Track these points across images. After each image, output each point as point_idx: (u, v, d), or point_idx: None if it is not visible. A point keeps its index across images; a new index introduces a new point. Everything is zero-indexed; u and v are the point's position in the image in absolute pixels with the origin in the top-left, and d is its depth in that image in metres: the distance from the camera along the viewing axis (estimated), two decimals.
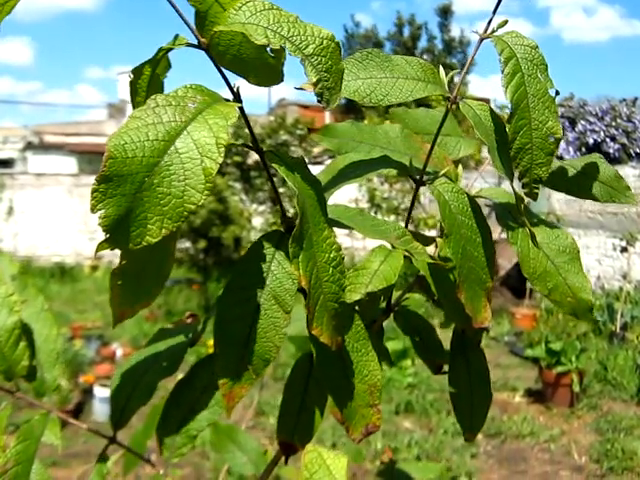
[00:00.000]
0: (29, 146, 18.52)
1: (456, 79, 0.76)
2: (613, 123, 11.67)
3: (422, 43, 25.18)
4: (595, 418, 5.91)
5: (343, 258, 0.61)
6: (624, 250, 8.61)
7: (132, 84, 0.61)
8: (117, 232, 0.49)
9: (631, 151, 11.78)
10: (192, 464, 4.62)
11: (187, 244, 10.69)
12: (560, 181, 0.82)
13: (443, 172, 0.76)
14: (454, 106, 0.75)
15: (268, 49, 0.56)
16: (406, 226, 0.77)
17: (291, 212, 0.68)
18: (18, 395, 0.91)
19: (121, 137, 0.49)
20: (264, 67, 0.57)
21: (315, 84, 0.55)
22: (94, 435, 0.96)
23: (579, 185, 0.82)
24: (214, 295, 9.64)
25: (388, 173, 0.78)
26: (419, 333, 0.92)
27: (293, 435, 0.79)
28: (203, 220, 9.72)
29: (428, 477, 1.69)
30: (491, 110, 0.74)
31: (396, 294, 0.90)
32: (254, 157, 10.27)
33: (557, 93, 0.70)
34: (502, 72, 0.69)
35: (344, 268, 0.61)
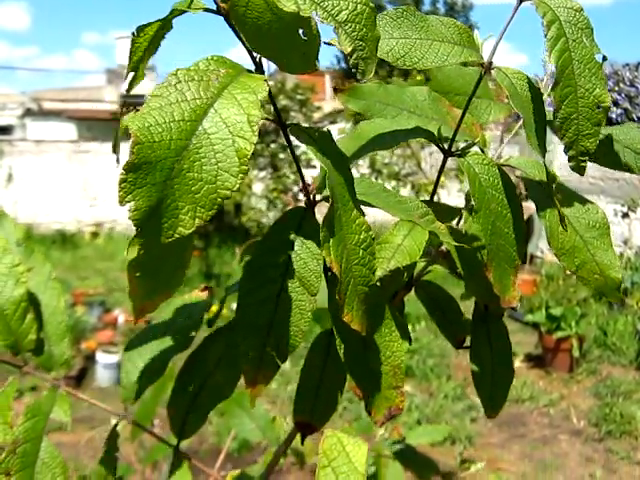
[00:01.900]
0: (28, 112, 18.32)
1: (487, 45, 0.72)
2: (616, 88, 11.55)
3: (425, 7, 24.85)
4: (594, 383, 5.95)
5: (374, 239, 0.58)
6: (625, 216, 8.59)
7: (133, 43, 0.56)
8: (148, 225, 0.45)
9: (634, 116, 11.67)
10: None
11: None
12: (600, 154, 0.77)
13: (475, 141, 0.73)
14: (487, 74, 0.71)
15: (300, 31, 0.52)
16: (431, 199, 0.74)
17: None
18: (25, 370, 0.88)
19: (145, 119, 0.44)
20: (295, 48, 0.53)
21: (350, 54, 0.52)
22: (99, 400, 0.94)
23: (614, 156, 0.79)
24: (215, 261, 9.63)
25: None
26: (440, 306, 0.89)
27: (311, 415, 0.77)
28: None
29: (436, 440, 1.68)
30: (529, 80, 0.70)
31: (418, 267, 0.87)
32: None
33: (604, 59, 0.66)
34: (545, 36, 0.64)
35: (374, 250, 0.58)
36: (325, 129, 0.59)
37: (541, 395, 5.66)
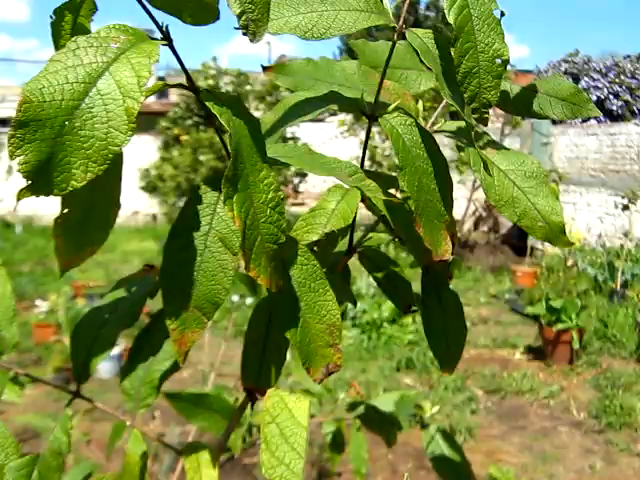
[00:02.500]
0: None
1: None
2: (617, 80, 11.52)
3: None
4: (594, 375, 5.96)
5: (282, 199, 0.60)
6: (626, 208, 8.58)
7: (54, 26, 0.59)
8: (39, 178, 0.48)
9: (634, 108, 11.65)
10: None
11: None
12: (521, 104, 0.80)
13: (394, 105, 0.74)
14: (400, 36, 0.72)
15: None
16: (362, 164, 0.76)
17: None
18: None
19: (38, 81, 0.48)
20: (197, 3, 0.55)
21: (239, 16, 0.54)
22: (97, 392, 0.96)
23: (540, 105, 0.80)
24: None
25: (338, 109, 0.76)
26: (383, 271, 0.91)
27: (257, 380, 0.79)
28: (203, 178, 9.70)
29: (398, 403, 1.68)
30: (437, 37, 0.72)
31: (358, 235, 0.89)
32: (255, 114, 10.19)
33: (502, 14, 0.68)
34: None
35: (283, 209, 0.60)
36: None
37: (541, 387, 5.67)
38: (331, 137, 11.98)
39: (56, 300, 6.43)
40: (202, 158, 10.57)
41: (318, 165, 0.69)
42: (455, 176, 8.74)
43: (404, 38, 0.72)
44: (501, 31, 0.68)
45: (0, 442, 0.83)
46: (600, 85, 11.67)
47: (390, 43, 0.75)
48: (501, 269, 9.70)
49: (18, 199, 0.50)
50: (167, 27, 0.55)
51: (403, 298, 0.91)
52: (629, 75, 11.58)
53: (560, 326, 6.19)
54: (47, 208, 13.62)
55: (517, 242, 10.48)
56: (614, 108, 11.46)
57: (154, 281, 0.89)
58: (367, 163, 9.48)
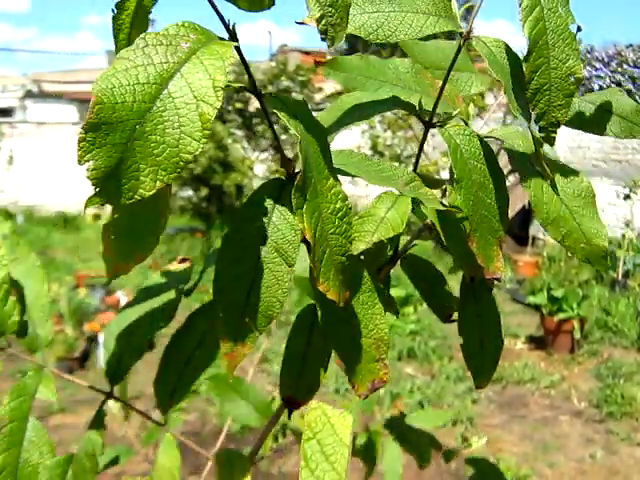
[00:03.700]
0: (29, 94, 18.29)
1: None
2: (619, 69, 11.48)
3: None
4: (595, 364, 5.97)
5: (350, 208, 0.57)
6: (627, 197, 8.57)
7: (115, 19, 0.56)
8: (107, 185, 0.45)
9: (637, 97, 11.62)
10: (198, 410, 4.68)
11: (189, 192, 10.66)
12: (576, 118, 0.78)
13: (456, 113, 0.72)
14: (466, 43, 0.69)
15: None
16: (414, 170, 0.74)
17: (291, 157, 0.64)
18: (10, 351, 0.89)
19: (109, 80, 0.44)
20: None
21: (318, 20, 0.51)
22: (99, 383, 0.95)
23: (596, 122, 0.78)
24: (217, 242, 9.67)
25: (397, 113, 0.74)
26: (427, 280, 0.88)
27: (296, 390, 0.77)
28: (204, 168, 9.67)
29: (436, 425, 1.68)
30: (507, 47, 0.69)
31: (403, 241, 0.86)
32: (256, 104, 10.21)
33: (579, 29, 0.65)
34: (519, 5, 0.63)
35: (351, 219, 0.58)
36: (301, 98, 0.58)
37: (542, 376, 5.69)
38: None
39: (58, 290, 6.41)
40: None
41: (374, 174, 0.66)
42: None
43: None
44: (576, 47, 0.65)
45: (35, 441, 0.83)
46: (602, 74, 11.63)
47: (442, 42, 0.73)
48: (502, 259, 9.70)
49: (86, 207, 0.47)
50: (234, 26, 0.52)
51: (445, 308, 0.88)
52: (631, 64, 11.54)
53: (561, 316, 6.20)
54: (47, 199, 13.60)
55: (519, 232, 10.46)
56: None
57: (188, 277, 0.87)
58: (369, 152, 9.49)
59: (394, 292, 6.70)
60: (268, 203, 0.60)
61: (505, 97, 0.68)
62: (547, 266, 7.99)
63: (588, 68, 12.12)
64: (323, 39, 0.52)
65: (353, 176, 0.65)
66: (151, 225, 0.60)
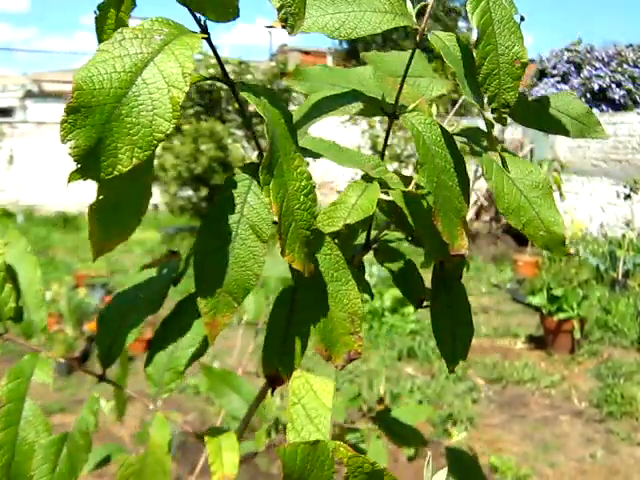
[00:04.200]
0: (28, 94, 18.37)
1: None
2: (619, 69, 11.51)
3: None
4: (595, 364, 5.98)
5: (314, 187, 0.62)
6: (627, 197, 8.60)
7: (98, 21, 0.62)
8: (88, 162, 0.50)
9: (636, 97, 11.64)
10: (197, 409, 4.72)
11: (189, 192, 10.71)
12: (531, 116, 0.84)
13: (414, 105, 0.77)
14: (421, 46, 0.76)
15: None
16: (382, 158, 0.79)
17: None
18: (7, 337, 0.91)
19: (88, 69, 0.50)
20: (219, 2, 0.58)
21: (278, 9, 0.56)
22: (100, 383, 0.98)
23: (550, 121, 0.84)
24: None
25: (358, 108, 0.79)
26: (398, 267, 0.94)
27: (279, 367, 0.81)
28: (204, 168, 9.70)
29: (419, 419, 1.72)
30: (458, 39, 0.75)
31: (374, 233, 0.91)
32: None
33: (522, 19, 0.71)
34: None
35: (315, 197, 0.63)
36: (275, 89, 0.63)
37: (542, 376, 5.70)
38: (333, 126, 12.02)
39: (58, 290, 6.44)
40: (203, 147, 10.59)
41: (344, 157, 0.71)
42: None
43: (420, 42, 0.74)
44: (520, 35, 0.71)
45: (31, 420, 0.86)
46: (602, 74, 11.66)
47: (402, 53, 0.79)
48: (502, 258, 9.72)
49: (68, 182, 0.52)
50: (205, 22, 0.57)
51: (416, 292, 0.94)
52: (631, 64, 11.57)
53: (561, 315, 6.21)
54: (47, 199, 13.65)
55: (518, 232, 10.48)
56: (616, 97, 11.45)
57: (177, 268, 0.91)
58: (369, 152, 9.52)
59: (393, 292, 6.74)
60: (244, 184, 0.66)
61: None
62: (547, 266, 8.01)
63: (588, 68, 12.15)
64: (283, 27, 0.57)
65: (321, 156, 0.70)
66: (133, 206, 0.66)
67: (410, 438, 1.61)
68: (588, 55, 12.13)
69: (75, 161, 0.50)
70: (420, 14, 0.75)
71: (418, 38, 0.75)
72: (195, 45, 0.53)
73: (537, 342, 6.48)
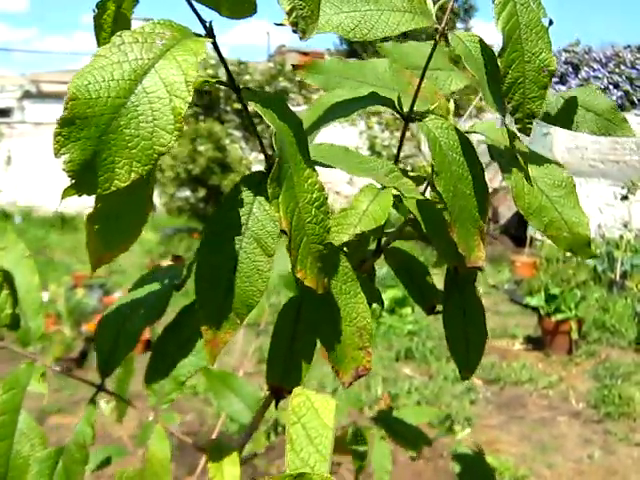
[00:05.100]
0: (27, 95, 18.31)
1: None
2: (617, 70, 11.51)
3: None
4: (593, 365, 5.97)
5: (326, 198, 0.59)
6: (625, 198, 8.59)
7: (96, 19, 0.57)
8: (83, 177, 0.47)
9: (634, 98, 11.65)
10: (195, 410, 4.69)
11: (187, 193, 10.68)
12: (564, 117, 0.79)
13: (433, 107, 0.73)
14: (443, 40, 0.71)
15: None
16: (395, 163, 0.75)
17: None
18: (2, 344, 0.89)
19: (84, 77, 0.46)
20: None
21: (289, 13, 0.52)
22: (98, 382, 0.96)
23: (580, 120, 0.79)
24: None
25: (376, 110, 0.75)
26: (409, 272, 0.90)
27: (282, 379, 0.78)
28: (202, 168, 9.68)
29: (422, 421, 1.70)
30: (481, 42, 0.70)
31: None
32: None
33: (551, 23, 0.67)
34: (492, 1, 0.65)
35: (328, 209, 0.59)
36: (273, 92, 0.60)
37: (540, 377, 5.69)
38: (330, 126, 11.96)
39: (56, 290, 6.42)
40: (201, 148, 10.54)
41: (355, 165, 0.67)
42: None
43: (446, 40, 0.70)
44: (548, 40, 0.66)
45: (26, 433, 0.84)
46: (600, 75, 11.66)
47: (421, 44, 0.74)
48: (500, 259, 9.70)
49: (62, 198, 0.49)
50: (211, 23, 0.54)
51: (428, 300, 0.90)
52: (629, 65, 11.57)
53: (559, 316, 6.20)
54: (45, 199, 13.60)
55: (516, 232, 10.47)
56: (614, 98, 11.45)
57: (180, 274, 0.88)
58: (367, 153, 9.51)
59: (392, 293, 6.71)
60: (248, 195, 0.62)
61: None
62: (545, 267, 8.00)
63: (586, 69, 12.15)
64: (294, 31, 0.53)
65: (332, 167, 0.66)
66: (134, 216, 0.62)
67: (414, 439, 1.59)
68: (586, 56, 12.13)
69: (69, 176, 0.47)
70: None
71: (438, 38, 0.71)
72: (200, 50, 0.49)
73: (535, 343, 6.47)
